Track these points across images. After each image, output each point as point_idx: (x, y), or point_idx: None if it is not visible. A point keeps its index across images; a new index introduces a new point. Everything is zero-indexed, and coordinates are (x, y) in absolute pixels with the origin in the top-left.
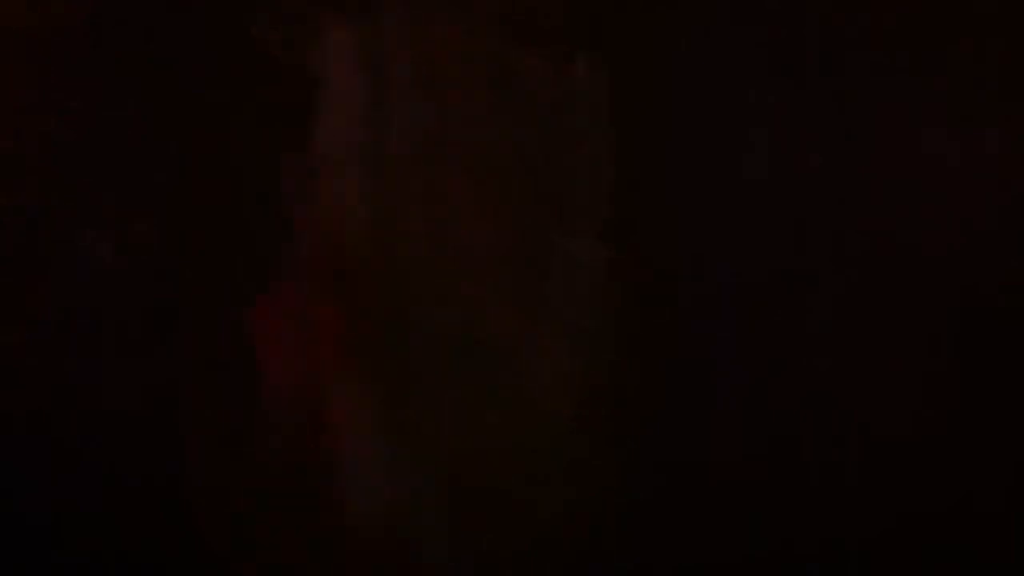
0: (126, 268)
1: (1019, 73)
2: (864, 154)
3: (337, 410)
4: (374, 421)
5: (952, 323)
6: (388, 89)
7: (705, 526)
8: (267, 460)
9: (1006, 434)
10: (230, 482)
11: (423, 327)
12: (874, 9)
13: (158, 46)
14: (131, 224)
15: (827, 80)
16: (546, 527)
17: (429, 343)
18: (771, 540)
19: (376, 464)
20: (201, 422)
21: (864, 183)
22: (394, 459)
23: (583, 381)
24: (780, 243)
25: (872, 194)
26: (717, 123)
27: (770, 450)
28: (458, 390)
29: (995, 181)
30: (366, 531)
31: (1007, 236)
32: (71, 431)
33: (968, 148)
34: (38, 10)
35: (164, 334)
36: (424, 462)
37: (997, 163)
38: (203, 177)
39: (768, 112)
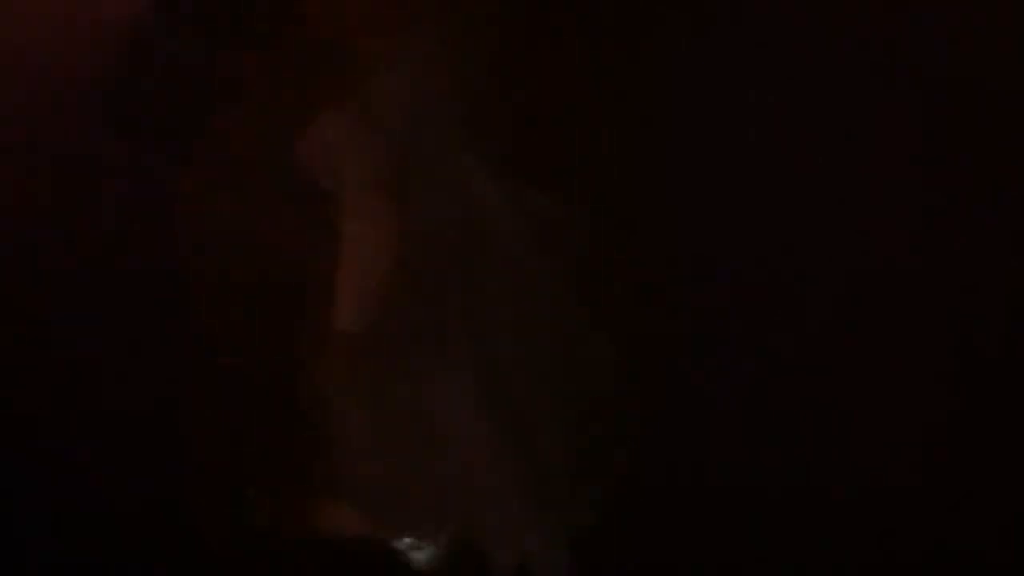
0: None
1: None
2: (864, 154)
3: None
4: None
5: (953, 323)
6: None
7: (705, 526)
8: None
9: (1009, 434)
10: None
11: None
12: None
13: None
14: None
15: (829, 80)
16: (547, 527)
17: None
18: (771, 540)
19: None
20: (201, 422)
21: (864, 183)
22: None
23: (582, 380)
24: (781, 243)
25: (873, 194)
26: (716, 122)
27: (770, 450)
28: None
29: (997, 181)
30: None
31: (1009, 237)
32: (71, 431)
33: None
34: None
35: (165, 334)
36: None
37: (997, 163)
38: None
39: (767, 112)
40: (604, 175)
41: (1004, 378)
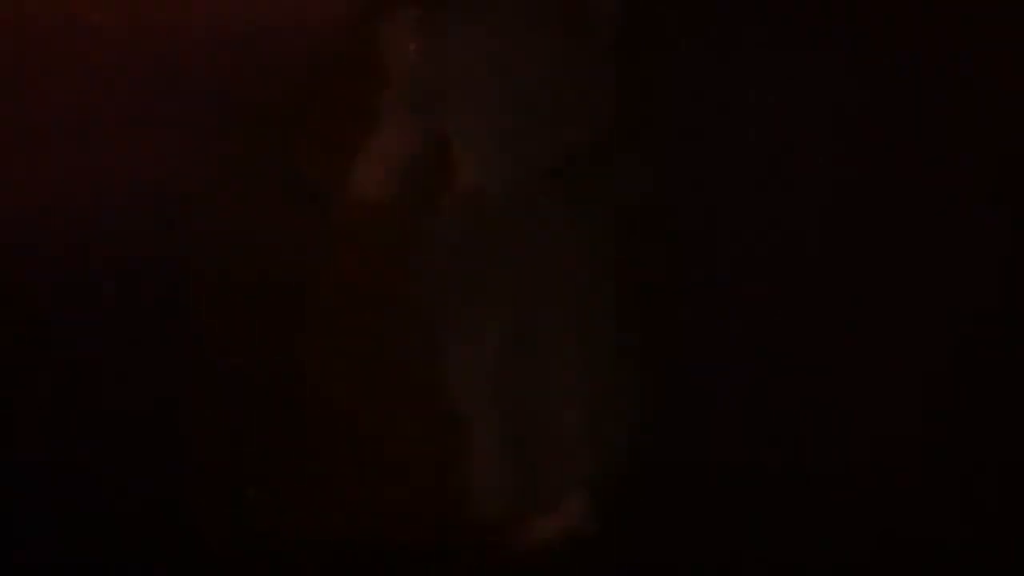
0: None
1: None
2: (864, 154)
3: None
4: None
5: (952, 323)
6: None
7: (705, 526)
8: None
9: (1008, 434)
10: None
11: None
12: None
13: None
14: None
15: (829, 81)
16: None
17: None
18: (771, 540)
19: None
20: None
21: (864, 183)
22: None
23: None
24: (781, 243)
25: (873, 194)
26: (716, 122)
27: (770, 450)
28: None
29: (997, 181)
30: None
31: (1009, 237)
32: (71, 431)
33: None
34: None
35: (164, 334)
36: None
37: (997, 163)
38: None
39: (768, 113)
40: (603, 173)
41: (1004, 377)
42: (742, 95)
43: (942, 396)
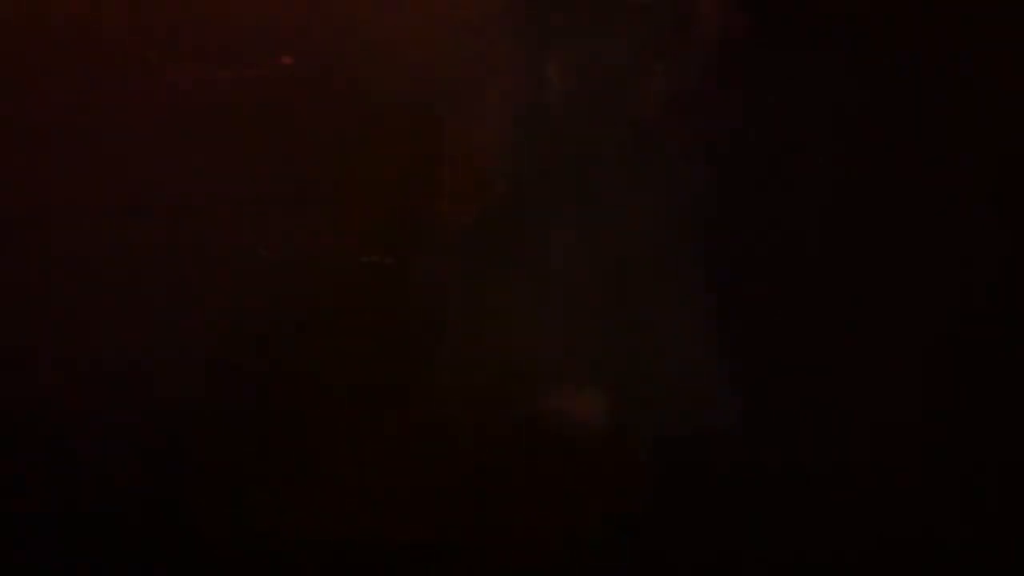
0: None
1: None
2: (863, 157)
3: None
4: None
5: (953, 323)
6: None
7: (706, 525)
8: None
9: (1008, 434)
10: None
11: None
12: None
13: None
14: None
15: (828, 81)
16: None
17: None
18: (772, 539)
19: None
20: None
21: (865, 184)
22: None
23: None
24: (782, 243)
25: (872, 194)
26: (718, 121)
27: (770, 450)
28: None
29: (997, 181)
30: None
31: (1009, 237)
32: (71, 431)
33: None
34: None
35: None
36: None
37: (997, 162)
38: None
39: (768, 112)
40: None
41: (1004, 377)
42: (743, 95)
43: (942, 396)
